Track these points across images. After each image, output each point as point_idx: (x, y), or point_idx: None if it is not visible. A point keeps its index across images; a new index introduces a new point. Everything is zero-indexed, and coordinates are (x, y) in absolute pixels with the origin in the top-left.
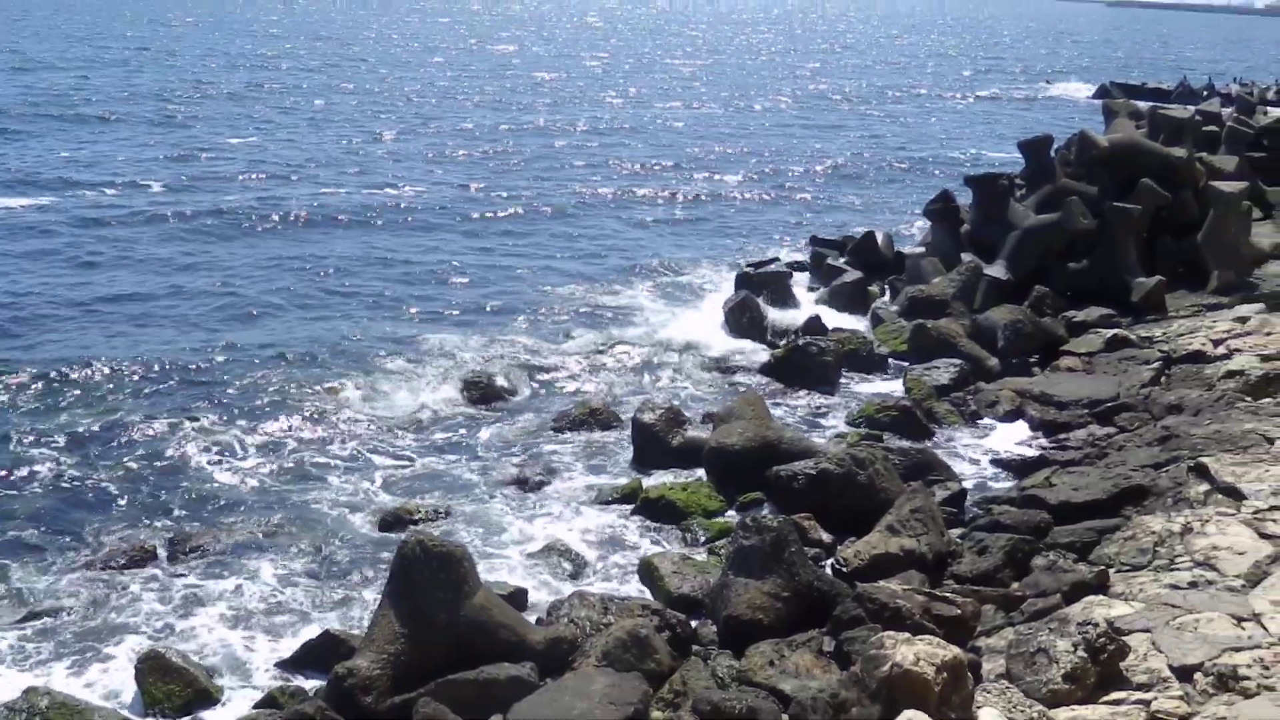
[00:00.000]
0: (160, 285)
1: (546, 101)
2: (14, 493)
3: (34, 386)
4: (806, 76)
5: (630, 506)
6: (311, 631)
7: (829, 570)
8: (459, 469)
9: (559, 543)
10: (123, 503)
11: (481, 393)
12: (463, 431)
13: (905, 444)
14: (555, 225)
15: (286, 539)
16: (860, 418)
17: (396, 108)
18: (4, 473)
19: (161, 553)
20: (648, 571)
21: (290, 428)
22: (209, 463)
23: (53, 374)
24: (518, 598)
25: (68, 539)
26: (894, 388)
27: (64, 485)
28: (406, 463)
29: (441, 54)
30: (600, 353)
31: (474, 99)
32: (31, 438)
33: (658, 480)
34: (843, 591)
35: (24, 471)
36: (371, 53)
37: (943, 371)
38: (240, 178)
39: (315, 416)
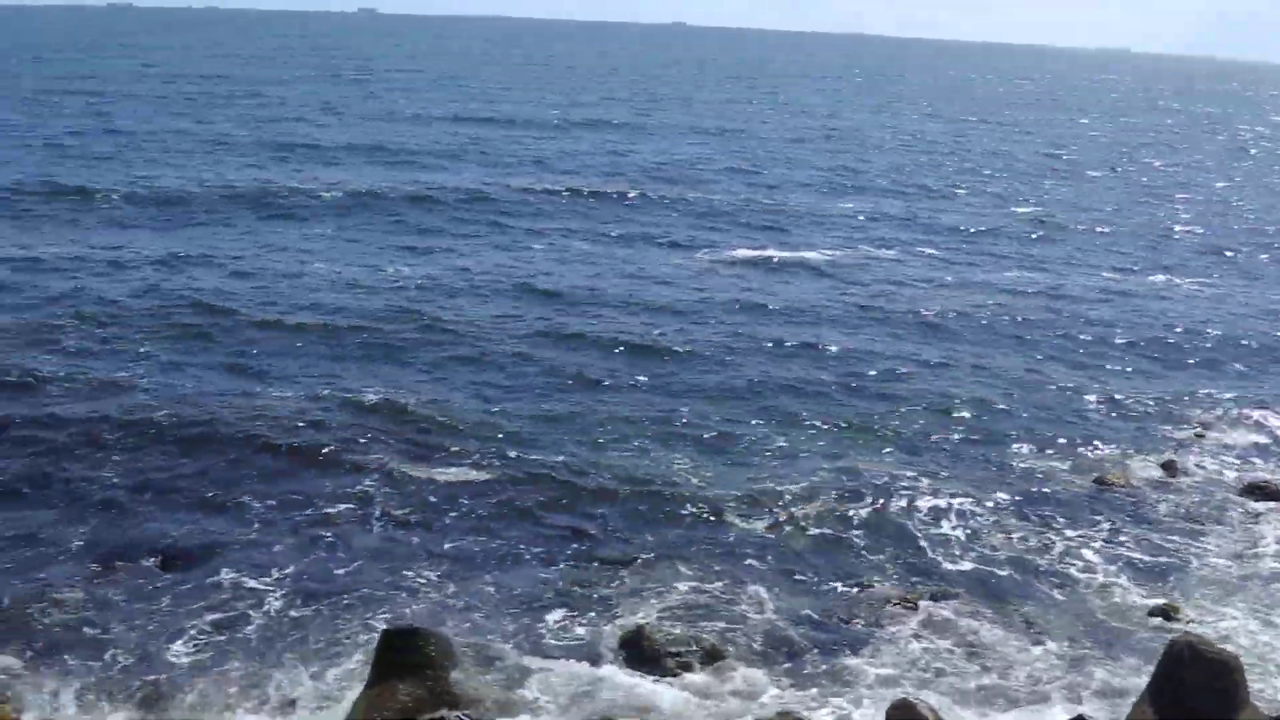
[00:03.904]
0: None
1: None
2: None
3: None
4: None
5: None
6: (1064, 711)
7: None
8: (1228, 568)
9: None
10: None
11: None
12: (1242, 525)
13: None
14: None
15: (1045, 619)
16: None
17: None
18: None
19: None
20: None
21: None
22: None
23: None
24: None
25: None
26: None
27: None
28: (1162, 554)
29: None
30: None
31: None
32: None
33: None
34: None
35: None
36: None
37: None
38: None
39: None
